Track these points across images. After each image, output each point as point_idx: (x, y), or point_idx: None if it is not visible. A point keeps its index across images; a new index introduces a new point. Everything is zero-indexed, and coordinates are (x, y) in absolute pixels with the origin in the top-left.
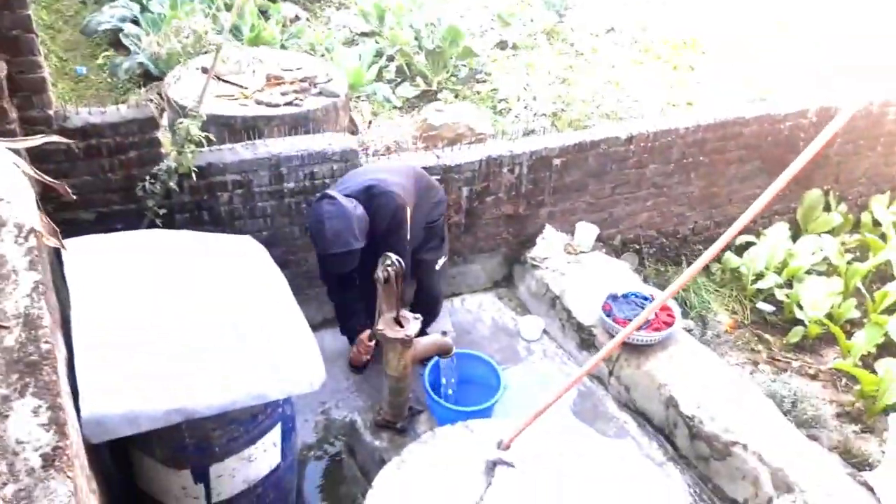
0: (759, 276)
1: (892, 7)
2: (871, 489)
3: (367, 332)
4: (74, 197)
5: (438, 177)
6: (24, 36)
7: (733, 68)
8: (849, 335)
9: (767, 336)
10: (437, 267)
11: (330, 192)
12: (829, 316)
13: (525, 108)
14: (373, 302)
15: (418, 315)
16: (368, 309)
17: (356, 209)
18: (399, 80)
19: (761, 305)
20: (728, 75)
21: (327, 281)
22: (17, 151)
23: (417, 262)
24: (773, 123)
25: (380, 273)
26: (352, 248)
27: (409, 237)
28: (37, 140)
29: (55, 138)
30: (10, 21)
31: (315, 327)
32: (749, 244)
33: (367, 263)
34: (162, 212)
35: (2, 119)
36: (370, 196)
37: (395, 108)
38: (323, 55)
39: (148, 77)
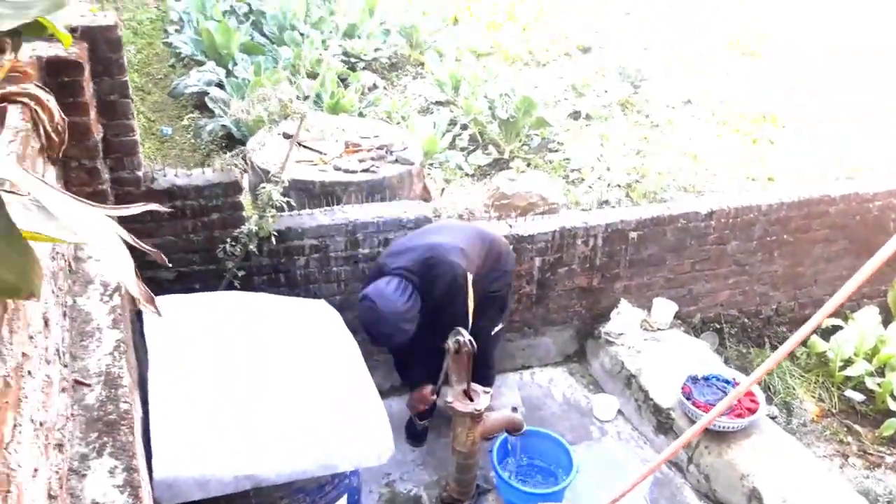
0: (848, 363)
1: None
2: None
3: (429, 386)
4: (170, 264)
5: (511, 246)
6: (120, 101)
7: (816, 145)
8: None
9: (857, 427)
10: (492, 333)
11: (368, 291)
12: None
13: (599, 178)
14: (432, 361)
15: (488, 389)
16: (428, 367)
17: (401, 300)
18: (472, 148)
19: (850, 394)
20: (811, 152)
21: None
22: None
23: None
24: (861, 202)
25: (450, 344)
26: (403, 337)
27: (469, 305)
28: (137, 208)
29: (154, 206)
30: (109, 86)
31: (383, 394)
32: (836, 328)
33: (424, 326)
34: (240, 273)
35: (95, 179)
36: (428, 267)
37: (467, 175)
38: (399, 123)
39: (230, 139)
